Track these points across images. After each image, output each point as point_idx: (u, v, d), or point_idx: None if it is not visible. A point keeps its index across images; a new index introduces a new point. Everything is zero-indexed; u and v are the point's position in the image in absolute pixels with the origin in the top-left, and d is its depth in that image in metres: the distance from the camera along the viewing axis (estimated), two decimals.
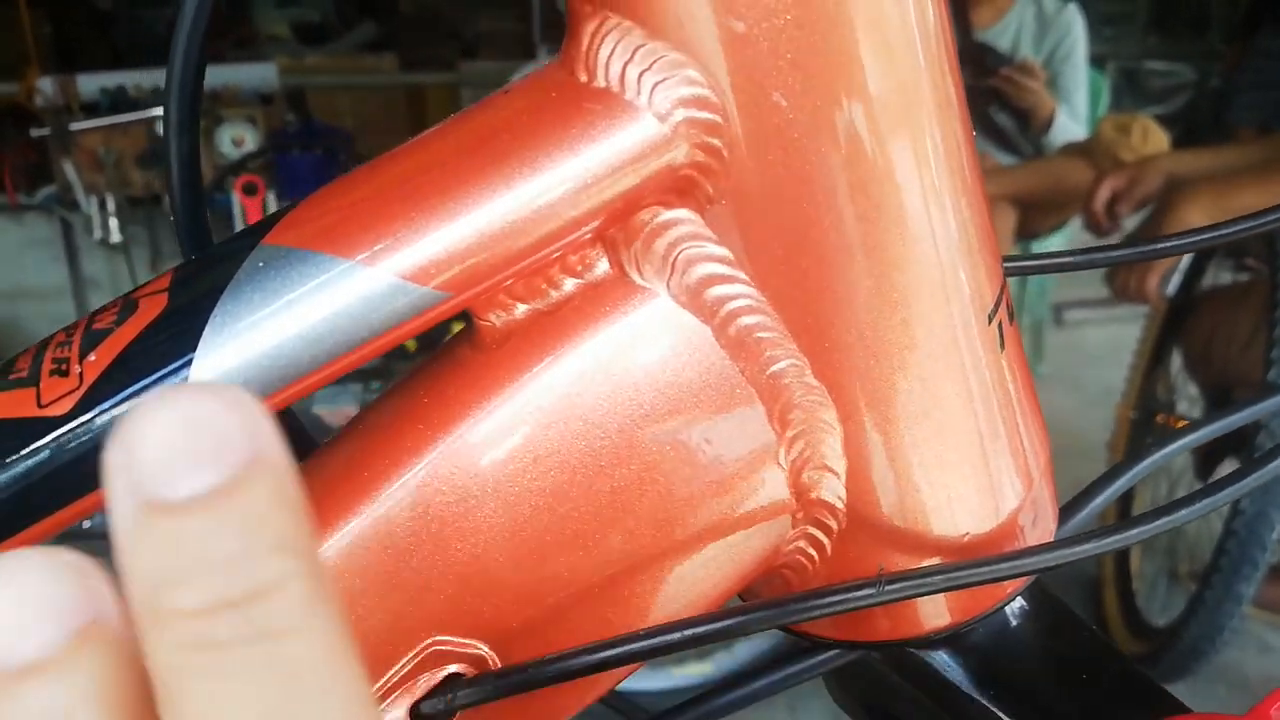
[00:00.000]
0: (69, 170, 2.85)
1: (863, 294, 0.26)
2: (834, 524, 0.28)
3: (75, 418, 0.23)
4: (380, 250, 0.24)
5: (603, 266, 0.27)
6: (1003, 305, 0.29)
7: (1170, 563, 2.04)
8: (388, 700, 0.26)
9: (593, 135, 0.24)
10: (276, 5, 4.66)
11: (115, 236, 2.80)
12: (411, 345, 2.83)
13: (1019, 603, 0.33)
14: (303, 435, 0.33)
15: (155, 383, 0.23)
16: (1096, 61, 2.76)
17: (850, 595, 0.26)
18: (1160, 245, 0.34)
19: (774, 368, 0.26)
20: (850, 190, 0.25)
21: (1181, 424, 1.66)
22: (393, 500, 0.26)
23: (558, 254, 0.26)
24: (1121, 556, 2.08)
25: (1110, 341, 2.96)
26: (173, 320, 0.24)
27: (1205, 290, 2.02)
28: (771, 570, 0.29)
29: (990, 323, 0.28)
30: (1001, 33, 2.39)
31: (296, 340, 0.24)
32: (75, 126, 2.89)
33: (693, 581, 0.28)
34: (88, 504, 0.24)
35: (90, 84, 3.04)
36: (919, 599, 0.30)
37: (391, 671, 0.26)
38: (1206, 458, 1.88)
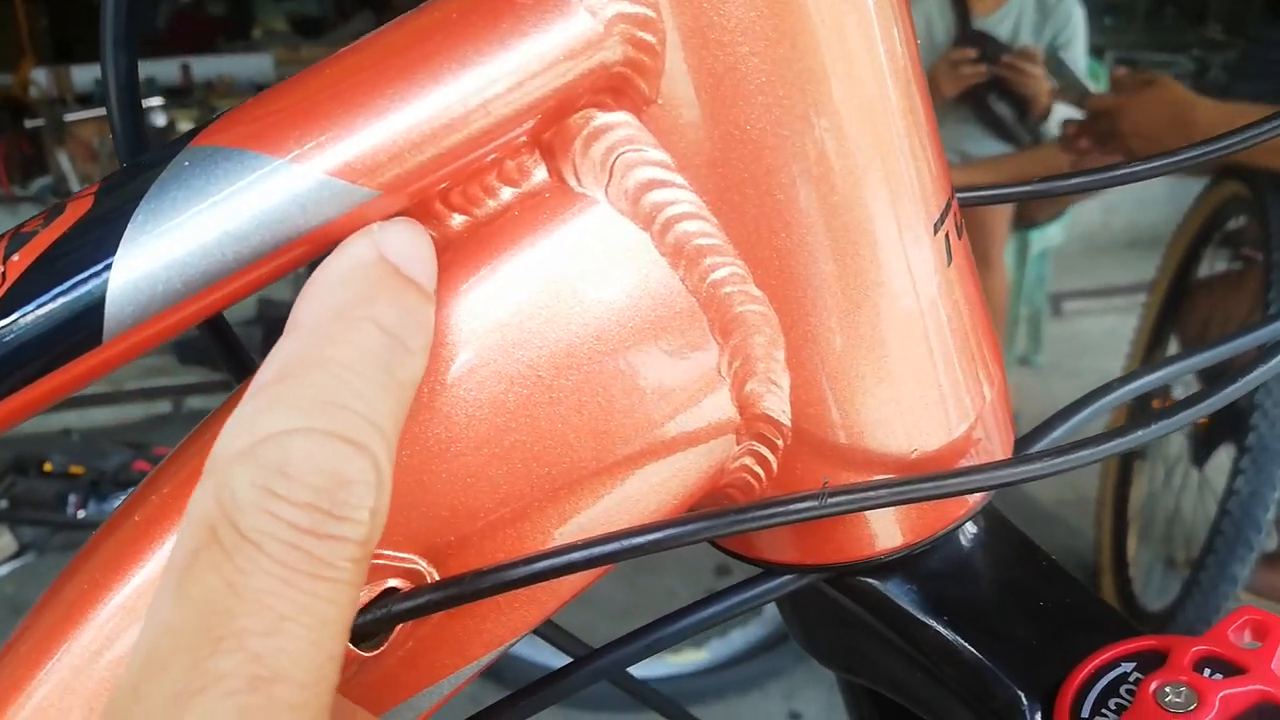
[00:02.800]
0: (63, 161, 2.85)
1: (803, 197, 0.26)
2: (779, 440, 0.28)
3: None
4: (310, 148, 0.23)
5: (540, 175, 0.26)
6: (950, 218, 0.28)
7: (1166, 550, 2.04)
8: None
9: (523, 30, 0.24)
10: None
11: None
12: None
13: (973, 529, 0.32)
14: (241, 352, 0.33)
15: (77, 281, 0.23)
16: (1095, 52, 2.76)
17: (792, 507, 0.26)
18: (1118, 172, 0.34)
19: (714, 275, 0.26)
20: (789, 87, 0.25)
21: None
22: None
23: (492, 157, 0.25)
24: (1118, 543, 2.08)
25: (1107, 331, 2.96)
26: (96, 221, 0.24)
27: (1201, 278, 2.01)
28: (717, 490, 0.29)
29: (936, 233, 0.28)
30: (1001, 20, 2.38)
31: (221, 238, 0.23)
32: (69, 117, 2.89)
33: (635, 499, 0.27)
34: (4, 410, 0.24)
35: (84, 75, 3.04)
36: (869, 518, 0.29)
37: None
38: (1202, 442, 1.88)
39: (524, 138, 0.25)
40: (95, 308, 0.23)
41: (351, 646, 0.26)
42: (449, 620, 0.27)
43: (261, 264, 0.24)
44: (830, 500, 0.26)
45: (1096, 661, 0.28)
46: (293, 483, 0.19)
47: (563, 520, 0.27)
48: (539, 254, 0.26)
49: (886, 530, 0.30)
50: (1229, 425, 1.74)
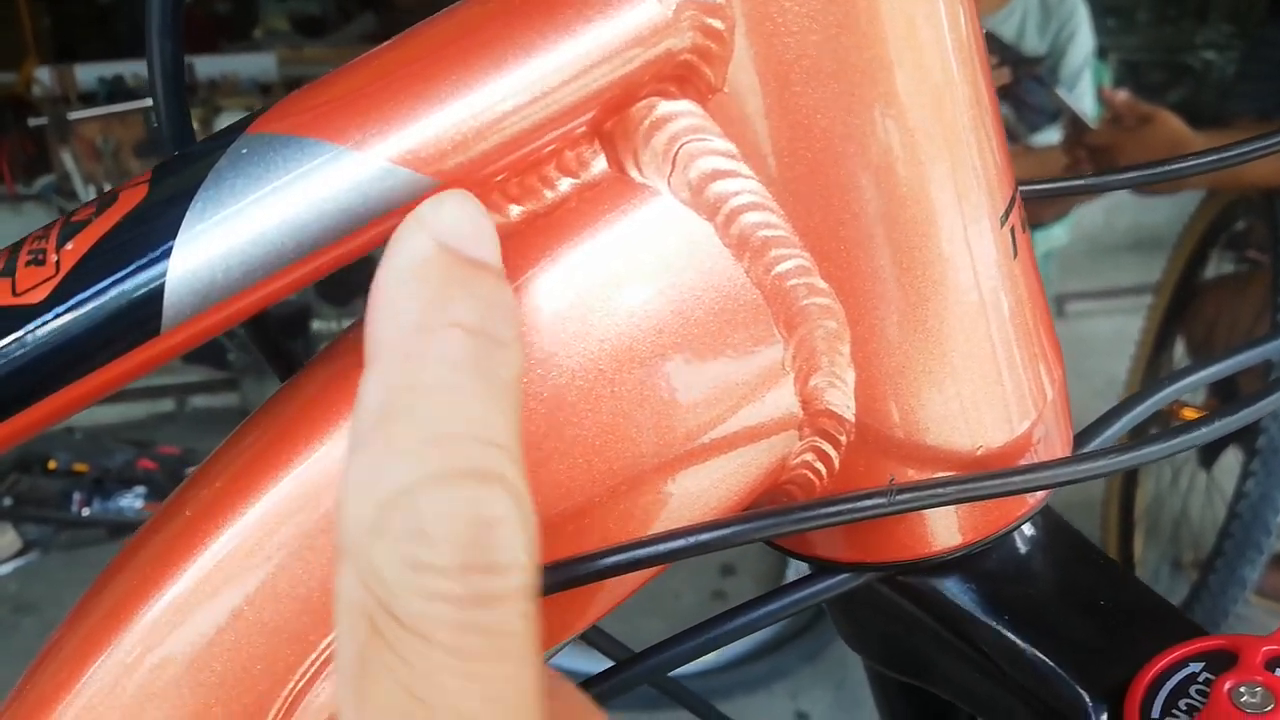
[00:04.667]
0: (67, 160, 2.84)
1: (870, 188, 0.25)
2: (842, 437, 0.27)
3: (51, 305, 0.22)
4: (371, 135, 0.23)
5: (600, 165, 0.26)
6: (1015, 211, 0.28)
7: (1174, 551, 2.03)
8: None
9: (590, 16, 0.23)
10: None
11: None
12: None
13: (1030, 530, 0.32)
14: (287, 352, 0.32)
15: (135, 269, 0.22)
16: (1099, 52, 2.75)
17: (859, 504, 0.25)
18: (1178, 165, 0.33)
19: (780, 267, 0.25)
20: (857, 76, 0.24)
21: (1186, 411, 1.65)
22: None
23: (552, 147, 0.25)
24: (1125, 544, 2.07)
25: (1112, 333, 2.95)
26: (153, 209, 0.23)
27: (1208, 280, 2.01)
28: (776, 488, 0.28)
29: (1002, 226, 0.27)
30: (1005, 20, 2.38)
31: (281, 227, 0.23)
32: (73, 116, 2.88)
33: (696, 495, 0.27)
34: (61, 401, 0.23)
35: (88, 74, 3.04)
36: (929, 517, 0.29)
37: None
38: (1210, 445, 1.88)
39: (584, 128, 0.25)
40: (154, 297, 0.22)
41: None
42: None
43: (321, 253, 0.23)
44: (899, 497, 0.25)
45: (1164, 661, 0.27)
46: (436, 546, 0.17)
47: (623, 517, 0.26)
48: (599, 245, 0.25)
49: (947, 529, 0.29)
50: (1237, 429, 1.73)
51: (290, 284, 0.24)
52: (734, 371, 0.26)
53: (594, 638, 0.36)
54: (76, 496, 2.42)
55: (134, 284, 0.22)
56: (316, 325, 3.06)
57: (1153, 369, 2.02)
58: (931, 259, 0.26)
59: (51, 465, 2.50)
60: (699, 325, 0.25)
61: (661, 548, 0.25)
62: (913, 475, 0.28)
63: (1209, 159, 0.33)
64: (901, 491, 0.26)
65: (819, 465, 0.28)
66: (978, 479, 0.26)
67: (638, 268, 0.25)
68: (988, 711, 0.31)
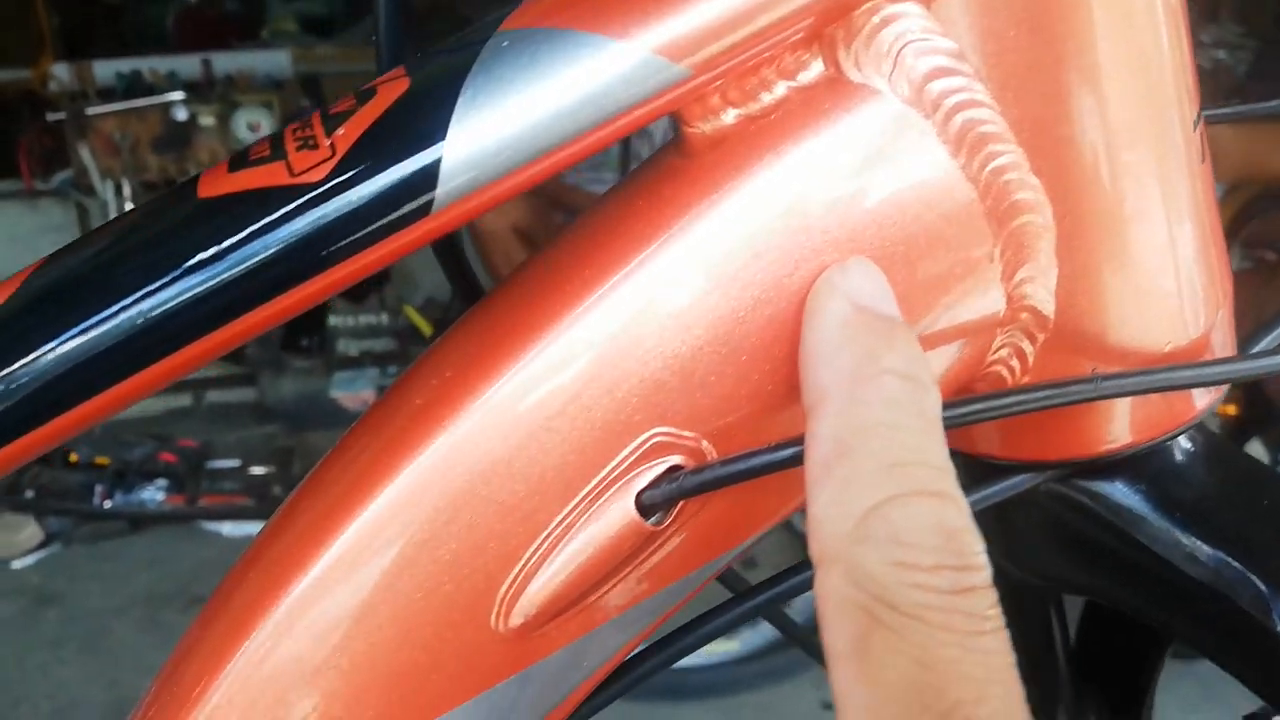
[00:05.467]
0: (85, 155, 2.85)
1: (1086, 87, 0.26)
2: (1040, 333, 0.29)
3: (331, 182, 0.24)
4: (633, 26, 0.24)
5: (816, 68, 0.27)
6: (1200, 122, 0.29)
7: None
8: (612, 490, 0.26)
9: None
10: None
11: None
12: (427, 329, 2.82)
13: (1188, 441, 0.33)
14: (470, 275, 0.33)
15: (411, 151, 0.24)
16: None
17: (1066, 390, 0.27)
18: None
19: (995, 163, 0.27)
20: None
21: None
22: (617, 295, 0.26)
23: (772, 51, 0.26)
24: None
25: None
26: (422, 97, 0.24)
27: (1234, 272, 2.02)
28: (966, 387, 0.30)
29: (1194, 130, 0.28)
30: None
31: (549, 114, 0.24)
32: (91, 111, 2.88)
33: None
34: (339, 275, 0.24)
35: (106, 69, 3.04)
36: (1106, 415, 0.30)
37: (615, 461, 0.26)
38: (1232, 436, 1.89)
39: (804, 32, 0.26)
40: (429, 178, 0.24)
41: (641, 520, 0.26)
42: (721, 501, 0.28)
43: (581, 139, 0.25)
44: (1104, 384, 0.27)
45: None
46: (915, 550, 0.20)
47: None
48: (820, 143, 0.26)
49: (1119, 427, 0.30)
50: (1260, 419, 1.75)
51: (549, 168, 0.25)
52: (945, 265, 0.27)
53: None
54: (98, 489, 2.42)
55: (410, 165, 0.24)
56: (333, 320, 3.07)
57: None
58: (1134, 158, 0.27)
59: (73, 458, 2.50)
60: (915, 219, 0.27)
61: None
62: (1104, 372, 0.29)
63: None
64: (1107, 379, 0.27)
65: (1014, 362, 0.29)
66: (1178, 368, 0.27)
67: (857, 164, 0.26)
68: (1159, 612, 0.32)
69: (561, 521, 0.26)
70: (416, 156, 0.24)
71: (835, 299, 0.24)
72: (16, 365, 0.23)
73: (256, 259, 0.24)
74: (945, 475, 0.21)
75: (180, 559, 2.34)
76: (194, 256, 0.24)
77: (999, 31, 0.26)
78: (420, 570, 0.26)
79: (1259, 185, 1.84)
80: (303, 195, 0.24)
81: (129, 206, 2.79)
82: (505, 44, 0.24)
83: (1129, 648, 0.39)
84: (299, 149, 0.24)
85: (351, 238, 0.24)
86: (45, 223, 3.00)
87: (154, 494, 2.46)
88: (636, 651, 0.32)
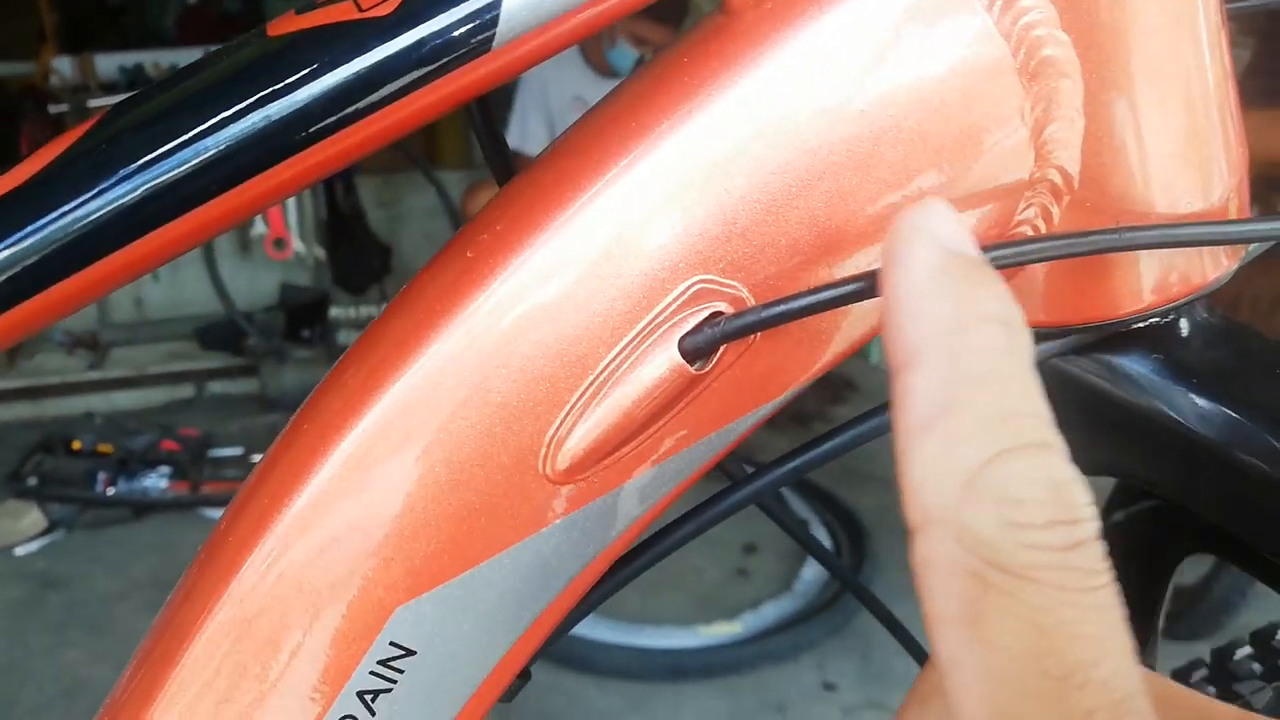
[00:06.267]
0: None
1: None
2: (1066, 193, 0.30)
3: (399, 16, 0.25)
4: None
5: None
6: None
7: None
8: (657, 334, 0.28)
9: None
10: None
11: None
12: None
13: (1198, 313, 0.34)
14: (505, 149, 0.35)
15: None
16: None
17: (1091, 238, 0.28)
18: None
19: (1027, 17, 0.28)
20: None
21: None
22: (664, 144, 0.27)
23: None
24: None
25: None
26: None
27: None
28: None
29: None
30: None
31: None
32: (93, 104, 2.90)
33: None
34: (404, 113, 0.26)
35: (108, 64, 3.06)
36: (1124, 276, 0.31)
37: (660, 306, 0.27)
38: None
39: None
40: (492, 15, 0.25)
41: (685, 364, 0.28)
42: (760, 353, 0.29)
43: None
44: (1128, 234, 0.28)
45: None
46: (1025, 506, 0.19)
47: (866, 259, 0.29)
48: (856, 5, 0.28)
49: (1135, 290, 0.31)
50: None
51: (604, 13, 0.26)
52: (979, 120, 0.28)
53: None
54: (101, 476, 2.43)
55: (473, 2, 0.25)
56: (334, 312, 3.09)
57: None
58: (1165, 18, 0.28)
59: (76, 446, 2.51)
60: (951, 75, 0.28)
61: None
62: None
63: None
64: (1131, 229, 0.28)
65: (1039, 221, 0.30)
66: (1200, 224, 0.28)
67: (896, 19, 0.28)
68: (1177, 484, 0.33)
69: (607, 366, 0.28)
70: None
71: (921, 244, 0.23)
72: (99, 187, 0.25)
73: (325, 93, 0.25)
74: (1048, 424, 0.20)
75: (183, 545, 2.34)
76: (266, 88, 0.25)
77: None
78: (473, 412, 0.27)
79: (1254, 171, 1.86)
80: (371, 29, 0.25)
81: None
82: None
83: (1141, 566, 0.40)
84: None
85: (415, 73, 0.25)
86: None
87: (157, 481, 2.47)
88: (662, 527, 0.33)
